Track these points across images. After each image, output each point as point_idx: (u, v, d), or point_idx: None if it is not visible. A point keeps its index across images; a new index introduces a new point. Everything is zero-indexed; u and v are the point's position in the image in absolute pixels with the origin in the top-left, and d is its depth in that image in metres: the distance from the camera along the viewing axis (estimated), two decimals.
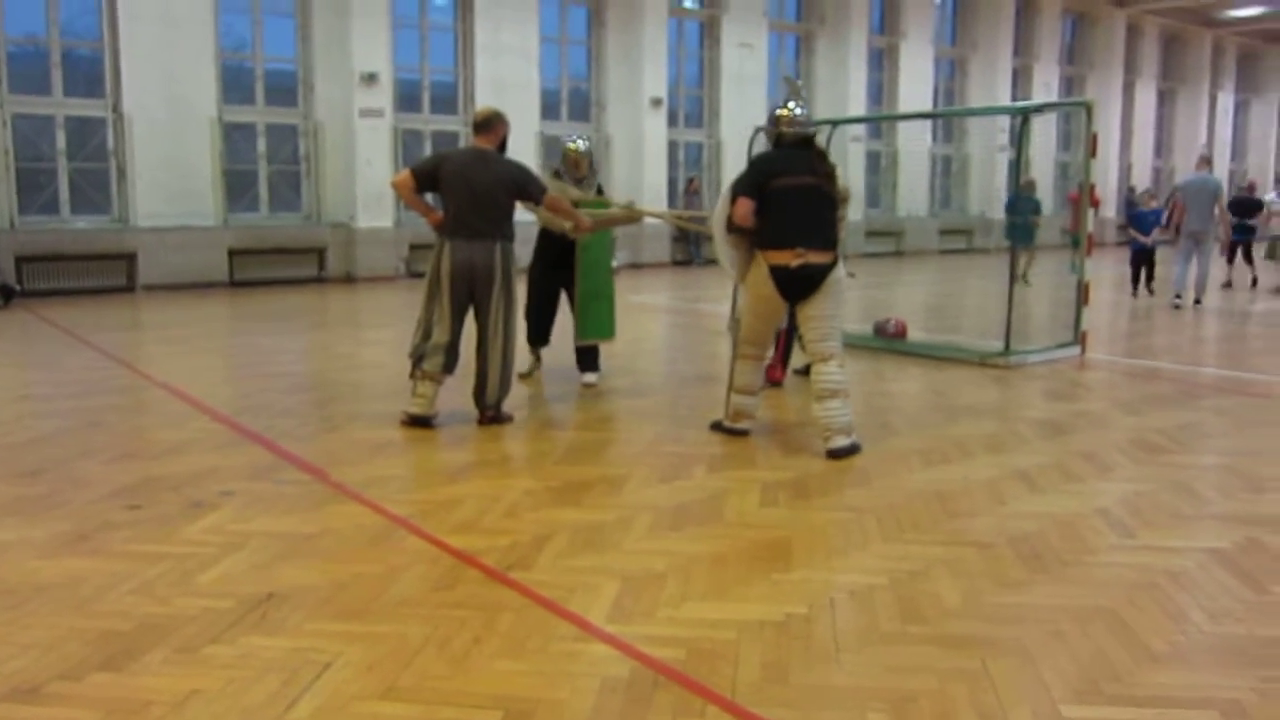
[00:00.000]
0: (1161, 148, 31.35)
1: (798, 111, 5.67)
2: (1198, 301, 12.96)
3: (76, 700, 2.79)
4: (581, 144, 7.55)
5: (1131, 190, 26.44)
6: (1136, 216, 14.61)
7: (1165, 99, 31.18)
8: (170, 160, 14.35)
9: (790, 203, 5.42)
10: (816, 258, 5.40)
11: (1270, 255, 15.52)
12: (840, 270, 5.54)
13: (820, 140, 6.24)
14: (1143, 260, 14.16)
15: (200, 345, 9.76)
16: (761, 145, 6.18)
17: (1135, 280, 14.16)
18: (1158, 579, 3.73)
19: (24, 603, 3.45)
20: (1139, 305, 13.26)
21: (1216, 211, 12.83)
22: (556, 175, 7.35)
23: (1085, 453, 5.61)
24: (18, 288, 12.76)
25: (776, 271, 5.41)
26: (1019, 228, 15.10)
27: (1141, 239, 14.04)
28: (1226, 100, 32.68)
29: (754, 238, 5.54)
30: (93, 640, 3.15)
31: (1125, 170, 29.01)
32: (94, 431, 5.95)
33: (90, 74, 14.23)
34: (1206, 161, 13.65)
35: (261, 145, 15.61)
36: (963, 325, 11.22)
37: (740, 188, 5.56)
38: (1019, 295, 9.03)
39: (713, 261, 5.84)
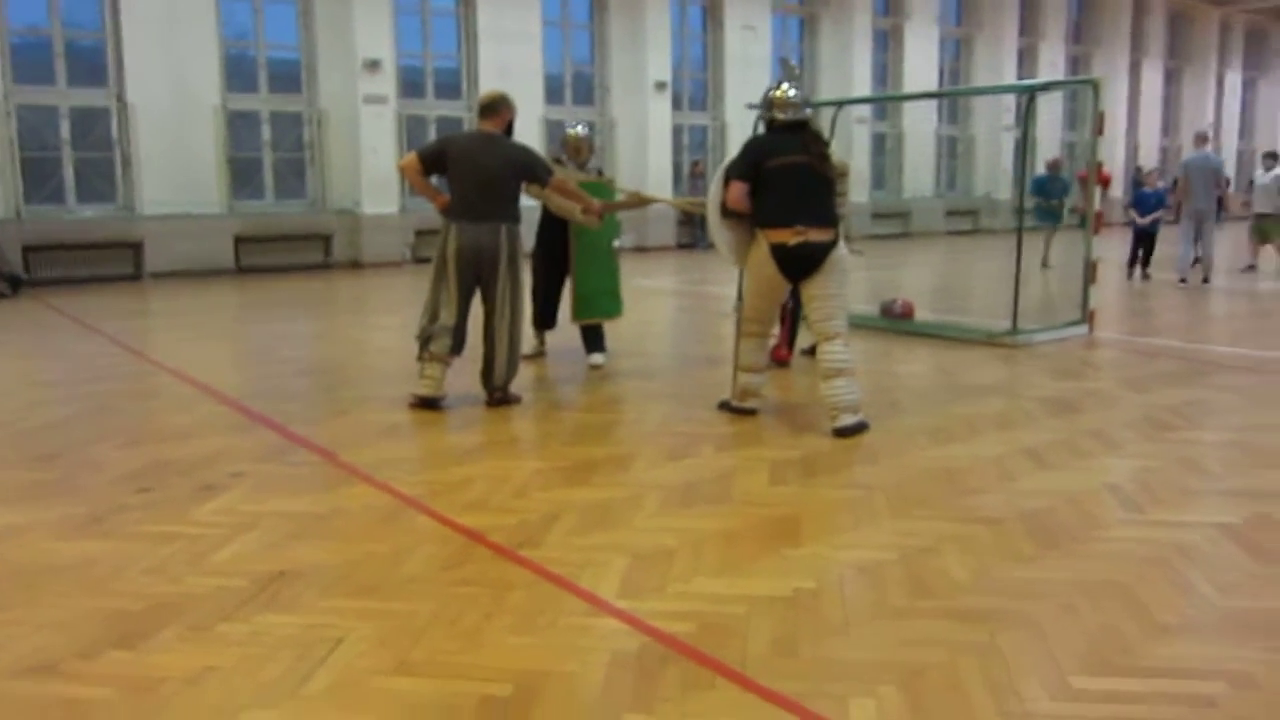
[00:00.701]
0: (1169, 126, 31.22)
1: (791, 94, 5.66)
2: (1205, 280, 12.89)
3: (92, 677, 2.82)
4: (582, 129, 7.56)
5: (1139, 169, 26.36)
6: (1137, 197, 14.47)
7: (1172, 78, 31.04)
8: (175, 148, 14.36)
9: (785, 182, 5.42)
10: (816, 235, 5.40)
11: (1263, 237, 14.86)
12: (842, 248, 5.53)
13: (824, 122, 6.26)
14: (1142, 241, 13.96)
15: (208, 332, 9.78)
16: None
17: (1132, 261, 13.94)
18: (1167, 553, 3.73)
19: (39, 583, 3.47)
20: (1145, 285, 13.18)
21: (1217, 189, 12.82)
22: (558, 161, 7.34)
23: (1094, 430, 5.61)
24: (24, 277, 12.79)
25: (777, 250, 5.41)
26: (1048, 209, 14.97)
27: (1139, 220, 13.86)
28: (1234, 79, 32.54)
29: (753, 218, 5.54)
30: (107, 619, 3.18)
31: (1132, 149, 28.90)
32: (105, 417, 5.98)
33: (94, 64, 14.24)
34: (1204, 139, 13.58)
35: (266, 133, 15.61)
36: (970, 305, 11.21)
37: (733, 171, 5.56)
38: (1028, 275, 9.00)
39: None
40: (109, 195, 14.39)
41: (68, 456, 5.10)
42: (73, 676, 2.83)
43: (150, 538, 3.90)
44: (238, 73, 15.38)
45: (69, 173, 14.07)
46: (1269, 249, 14.42)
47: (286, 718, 2.61)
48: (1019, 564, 3.64)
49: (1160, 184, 15.04)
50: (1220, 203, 14.97)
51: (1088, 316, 8.92)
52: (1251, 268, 14.62)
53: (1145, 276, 13.67)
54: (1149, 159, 28.90)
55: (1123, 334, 9.22)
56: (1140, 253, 13.86)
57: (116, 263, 13.95)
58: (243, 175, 15.46)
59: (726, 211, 5.61)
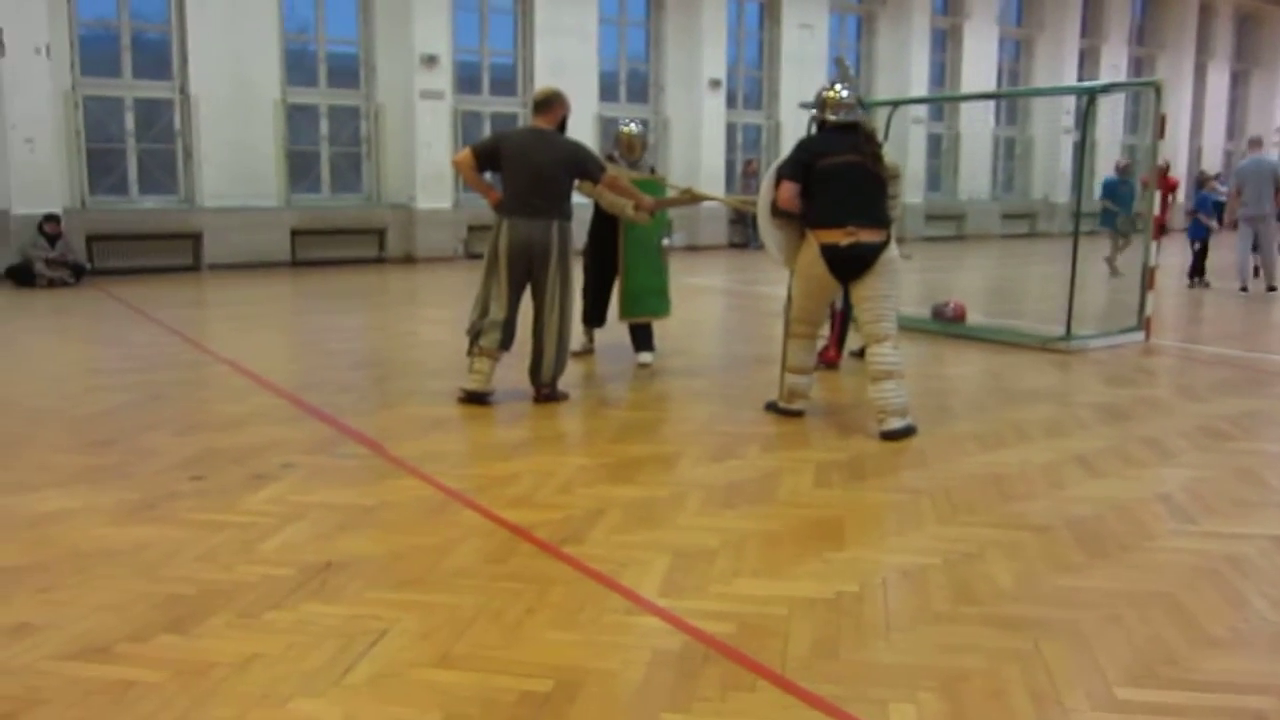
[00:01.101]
0: (1234, 130, 30.56)
1: (844, 94, 5.62)
2: (1271, 289, 12.55)
3: (144, 660, 2.88)
4: (635, 127, 7.57)
5: (1202, 174, 25.84)
6: (1199, 200, 14.20)
7: (1239, 80, 30.37)
8: (235, 141, 14.59)
9: (837, 181, 5.39)
10: (868, 236, 5.36)
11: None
12: (893, 250, 5.49)
13: (879, 122, 6.18)
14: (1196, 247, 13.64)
15: (263, 323, 9.93)
16: None
17: (1194, 271, 13.55)
18: (1218, 565, 3.67)
19: (94, 566, 3.55)
20: (1204, 293, 12.89)
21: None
22: (610, 159, 7.36)
23: (1147, 438, 5.52)
24: (88, 265, 13.06)
25: (827, 250, 5.39)
26: (1111, 213, 14.54)
27: (1211, 225, 13.57)
28: None
29: (804, 218, 5.52)
30: (159, 604, 3.24)
31: (1195, 154, 28.31)
32: (160, 404, 6.10)
33: (158, 56, 14.49)
34: (1258, 143, 13.23)
35: (324, 127, 15.79)
36: (1024, 309, 11.07)
37: (784, 171, 5.55)
38: (1084, 280, 8.83)
39: None
40: (170, 187, 14.65)
41: (122, 443, 5.21)
42: (124, 658, 2.89)
43: (201, 525, 3.98)
44: (298, 66, 15.58)
45: (132, 164, 14.33)
46: None
47: (330, 706, 2.65)
48: (1066, 572, 3.60)
49: (1220, 187, 14.69)
50: None
51: (1144, 323, 8.78)
52: None
53: (1204, 284, 13.36)
54: (1212, 163, 28.33)
55: (1180, 341, 9.06)
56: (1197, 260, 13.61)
57: (176, 253, 14.19)
58: (300, 169, 15.66)
59: (777, 211, 5.60)
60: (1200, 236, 13.56)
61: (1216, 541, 3.92)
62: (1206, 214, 13.68)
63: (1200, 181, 15.08)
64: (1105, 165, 25.00)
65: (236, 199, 14.63)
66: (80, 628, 3.07)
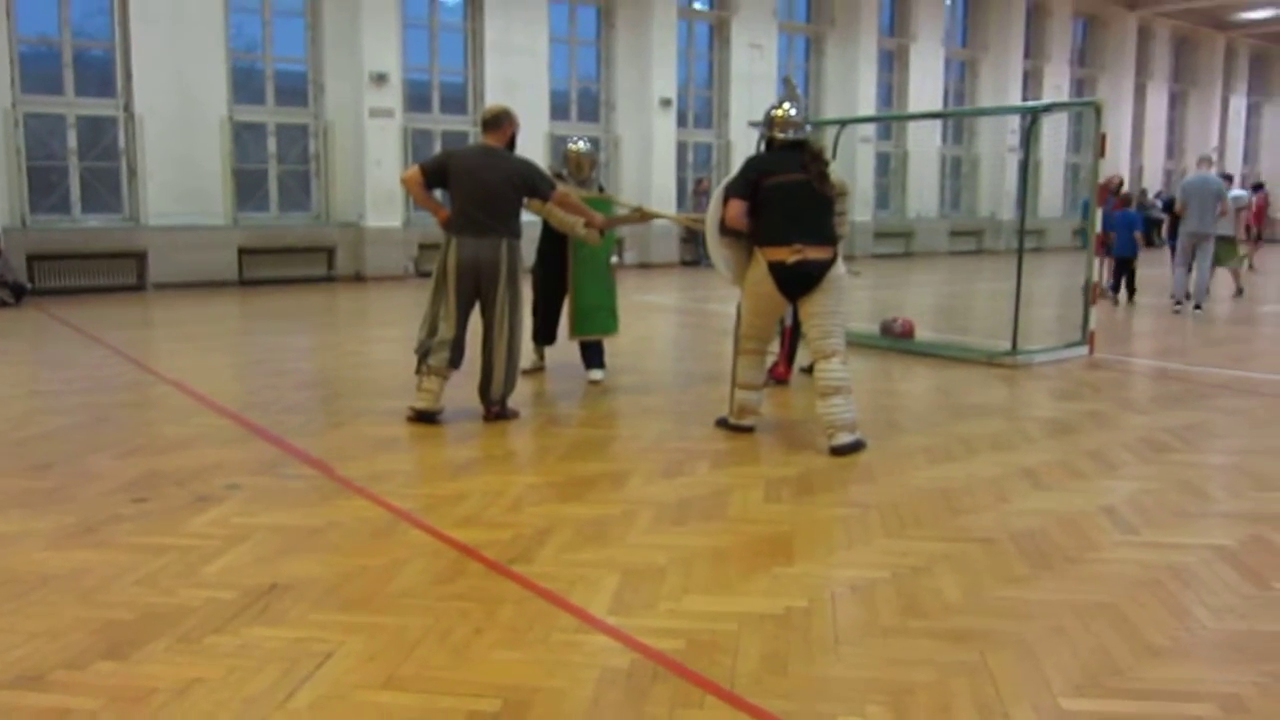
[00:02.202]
0: (1173, 150, 31.25)
1: (792, 113, 5.69)
2: (1198, 307, 12.34)
3: (80, 688, 2.81)
4: (583, 145, 7.58)
5: (1143, 193, 26.36)
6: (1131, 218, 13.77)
7: (1177, 101, 31.08)
8: (181, 159, 14.41)
9: (784, 200, 5.44)
10: (815, 254, 5.41)
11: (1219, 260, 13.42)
12: (840, 267, 5.54)
13: (827, 141, 6.24)
14: (1122, 266, 13.52)
15: (209, 343, 9.79)
16: None
17: (1115, 286, 13.53)
18: (1161, 575, 3.72)
19: (30, 592, 3.47)
20: (1141, 308, 13.01)
21: (1218, 212, 12.31)
22: (559, 177, 7.36)
23: (1092, 451, 5.60)
24: (29, 286, 12.82)
25: (775, 268, 5.42)
26: (1134, 248, 13.67)
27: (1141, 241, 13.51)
28: (1239, 103, 32.56)
29: (751, 236, 5.56)
30: (97, 629, 3.17)
31: (1136, 172, 28.91)
32: (102, 427, 5.98)
33: (102, 74, 14.30)
34: (1208, 161, 13.14)
35: (272, 145, 15.66)
36: (971, 325, 11.21)
37: (732, 190, 5.58)
38: (1029, 296, 8.93)
39: None
40: (114, 205, 14.43)
41: (63, 466, 5.11)
42: (61, 686, 2.82)
43: (143, 549, 3.90)
44: (245, 84, 15.44)
45: (75, 182, 14.10)
46: (1223, 273, 14.03)
47: None
48: (1011, 584, 3.63)
49: (1157, 204, 14.77)
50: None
51: (1088, 337, 8.92)
52: (1239, 292, 14.36)
53: (1130, 302, 13.37)
54: (1153, 182, 28.94)
55: (1123, 355, 9.22)
56: (1123, 278, 13.52)
57: (120, 273, 13.98)
58: (247, 187, 15.50)
59: (725, 229, 5.63)
60: (1133, 254, 13.42)
61: (1159, 552, 3.98)
62: (1141, 231, 13.59)
63: (1141, 202, 14.93)
64: (1050, 184, 25.60)
65: (182, 217, 14.44)
66: (14, 655, 3.00)
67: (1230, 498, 4.80)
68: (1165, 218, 13.94)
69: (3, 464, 5.16)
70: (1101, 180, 8.92)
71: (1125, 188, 15.21)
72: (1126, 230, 13.31)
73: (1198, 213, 12.33)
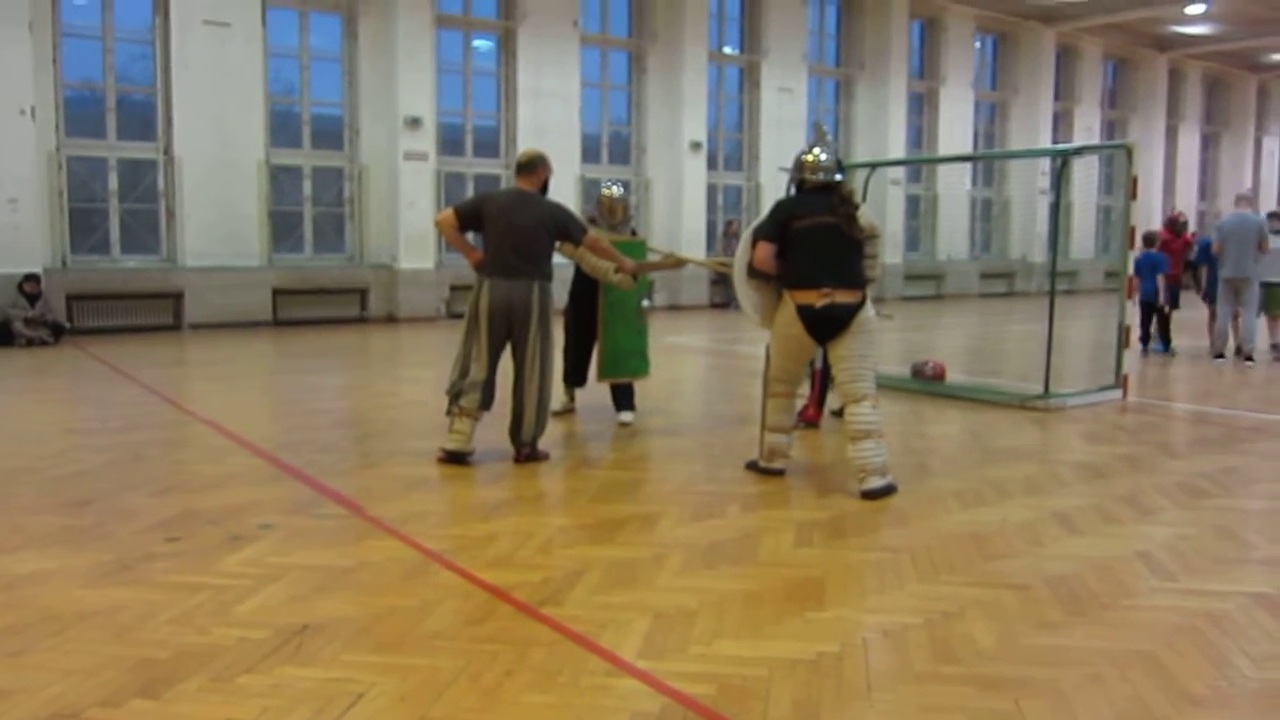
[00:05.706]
0: (1206, 191, 31.09)
1: (823, 158, 5.71)
2: (1249, 359, 11.61)
3: None
4: (617, 190, 7.63)
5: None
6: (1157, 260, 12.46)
7: (1209, 142, 30.99)
8: (218, 202, 14.66)
9: (812, 243, 5.46)
10: (843, 297, 5.41)
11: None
12: (869, 310, 5.53)
13: (857, 184, 6.24)
14: (1152, 312, 12.46)
15: (243, 383, 9.90)
16: None
17: (1145, 337, 12.56)
18: (1199, 623, 3.67)
19: (66, 629, 3.51)
20: (1180, 352, 12.49)
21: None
22: (592, 221, 7.41)
23: (1126, 496, 5.55)
24: (68, 325, 13.03)
25: (803, 311, 5.44)
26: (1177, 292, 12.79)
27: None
28: (1272, 143, 32.40)
29: (780, 278, 5.58)
30: (132, 668, 3.20)
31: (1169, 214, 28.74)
32: (138, 465, 6.06)
33: (143, 118, 14.60)
34: (1247, 200, 12.30)
35: (307, 188, 15.90)
36: (1002, 368, 11.14)
37: (760, 233, 5.62)
38: (1061, 340, 8.85)
39: None
40: (152, 247, 14.67)
41: (99, 504, 5.17)
42: None
43: (177, 587, 3.94)
44: (282, 128, 15.71)
45: (114, 224, 14.37)
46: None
47: None
48: (1046, 631, 3.60)
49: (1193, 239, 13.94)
50: None
51: (1121, 381, 8.85)
52: (1275, 347, 12.15)
53: (1167, 352, 12.36)
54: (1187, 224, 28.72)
55: (1157, 399, 9.13)
56: (1154, 325, 12.49)
57: (157, 313, 14.18)
58: (283, 229, 15.73)
59: (753, 272, 5.65)
60: (1158, 299, 12.30)
61: (1196, 599, 3.93)
62: (1164, 273, 12.32)
63: (1154, 239, 13.56)
64: (1082, 224, 25.48)
65: (219, 259, 14.67)
66: (51, 693, 3.03)
67: (1269, 544, 4.73)
68: (1203, 265, 12.52)
69: (41, 501, 5.23)
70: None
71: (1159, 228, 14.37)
72: (1150, 273, 12.13)
73: (1235, 254, 11.47)
